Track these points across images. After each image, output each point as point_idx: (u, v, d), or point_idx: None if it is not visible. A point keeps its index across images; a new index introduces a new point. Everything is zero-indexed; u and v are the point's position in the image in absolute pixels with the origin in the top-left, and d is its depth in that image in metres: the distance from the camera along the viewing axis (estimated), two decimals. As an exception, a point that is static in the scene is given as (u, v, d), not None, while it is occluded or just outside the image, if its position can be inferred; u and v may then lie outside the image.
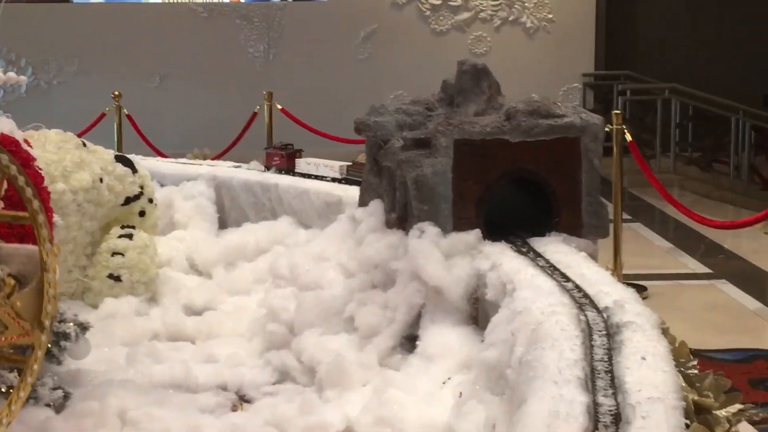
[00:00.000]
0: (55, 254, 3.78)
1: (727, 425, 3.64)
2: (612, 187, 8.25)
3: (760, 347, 6.76)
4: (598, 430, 3.22)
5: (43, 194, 4.01)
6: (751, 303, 7.90)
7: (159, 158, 9.38)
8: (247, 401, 5.56)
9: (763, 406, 5.69)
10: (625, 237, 8.88)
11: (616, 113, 8.20)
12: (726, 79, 13.79)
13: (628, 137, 8.10)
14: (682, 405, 3.44)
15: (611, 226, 7.90)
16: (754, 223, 8.06)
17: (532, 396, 3.53)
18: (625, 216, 10.96)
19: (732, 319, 7.50)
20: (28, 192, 3.39)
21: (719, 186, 12.90)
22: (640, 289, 7.65)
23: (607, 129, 8.00)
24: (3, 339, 3.66)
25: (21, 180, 3.44)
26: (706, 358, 5.87)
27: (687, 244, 9.99)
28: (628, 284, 5.33)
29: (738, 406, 3.92)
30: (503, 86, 6.31)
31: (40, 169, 5.05)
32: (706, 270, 8.99)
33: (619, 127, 8.06)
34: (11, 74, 5.04)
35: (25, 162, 3.81)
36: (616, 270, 7.70)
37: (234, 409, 5.46)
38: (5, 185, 3.70)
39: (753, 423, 4.47)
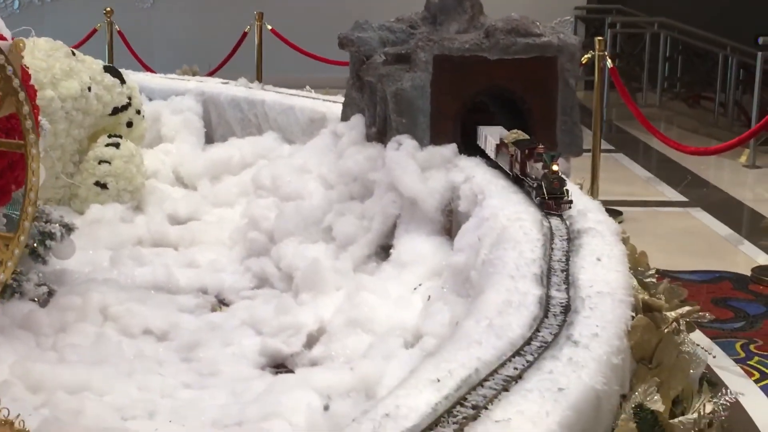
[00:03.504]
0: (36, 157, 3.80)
1: (674, 324, 3.80)
2: (593, 114, 8.34)
3: (726, 270, 6.94)
4: (547, 318, 3.39)
5: (29, 91, 4.04)
6: (722, 229, 8.06)
7: (148, 73, 9.42)
8: (226, 304, 5.69)
9: (723, 322, 5.92)
10: (606, 166, 9.02)
11: (598, 39, 8.25)
12: (716, 15, 13.79)
13: (610, 63, 8.16)
14: (630, 300, 3.61)
15: (591, 153, 8.10)
16: (723, 151, 8.23)
17: (489, 289, 3.70)
18: (609, 146, 11.17)
19: (703, 244, 7.66)
20: (15, 82, 3.43)
21: (705, 122, 13.01)
22: (615, 214, 7.80)
23: (589, 56, 8.16)
24: None
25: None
26: (674, 278, 6.00)
27: (666, 174, 10.09)
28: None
29: (687, 308, 4.10)
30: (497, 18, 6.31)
31: (27, 67, 5.09)
32: (682, 198, 9.13)
33: (601, 53, 8.12)
34: None
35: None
36: (593, 195, 7.81)
37: (213, 310, 5.61)
38: None
39: (701, 326, 4.59)
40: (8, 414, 3.55)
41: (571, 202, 4.47)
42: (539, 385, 2.83)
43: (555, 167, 4.56)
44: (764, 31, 11.68)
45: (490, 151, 5.48)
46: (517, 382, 2.86)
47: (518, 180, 5.00)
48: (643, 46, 14.01)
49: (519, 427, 2.57)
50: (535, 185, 4.59)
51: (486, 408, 2.69)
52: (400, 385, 2.90)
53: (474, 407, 2.70)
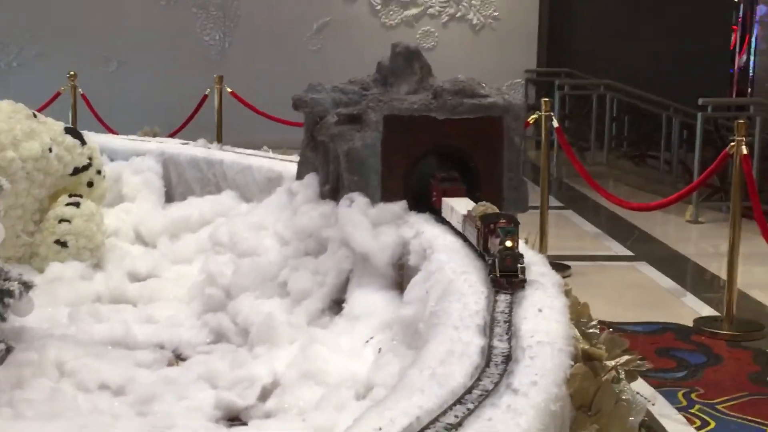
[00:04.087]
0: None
1: (613, 373, 3.80)
2: (541, 172, 8.42)
3: (669, 321, 6.99)
4: (489, 367, 3.38)
5: None
6: (666, 282, 8.13)
7: (110, 134, 9.41)
8: (183, 359, 5.64)
9: (666, 371, 5.95)
10: (555, 222, 9.12)
11: (544, 100, 8.37)
12: (659, 78, 14.01)
13: (555, 123, 8.25)
14: (570, 350, 3.62)
15: (539, 210, 8.17)
16: (664, 206, 8.33)
17: (433, 339, 3.70)
18: (559, 203, 11.26)
19: (647, 297, 7.72)
20: None
21: (651, 179, 13.14)
22: (563, 268, 7.86)
23: (536, 116, 8.26)
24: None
25: None
26: (619, 329, 6.04)
27: (614, 230, 10.19)
28: (552, 263, 5.48)
29: (626, 358, 4.11)
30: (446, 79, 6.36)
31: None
32: (628, 253, 9.21)
33: (548, 113, 8.22)
34: None
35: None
36: (542, 250, 7.85)
37: (170, 364, 5.54)
38: None
39: (644, 376, 4.62)
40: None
41: (525, 281, 4.19)
42: (478, 429, 2.83)
43: (509, 243, 4.28)
44: (704, 93, 11.87)
45: (457, 223, 5.29)
46: (457, 429, 2.85)
47: (482, 256, 4.76)
48: (591, 107, 14.16)
49: (458, 473, 2.56)
50: (490, 261, 4.34)
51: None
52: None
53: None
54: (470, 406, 3.03)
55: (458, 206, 5.22)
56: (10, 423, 4.38)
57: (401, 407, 2.96)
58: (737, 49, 16.16)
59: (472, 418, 2.93)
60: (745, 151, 6.88)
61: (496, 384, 3.22)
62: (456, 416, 2.94)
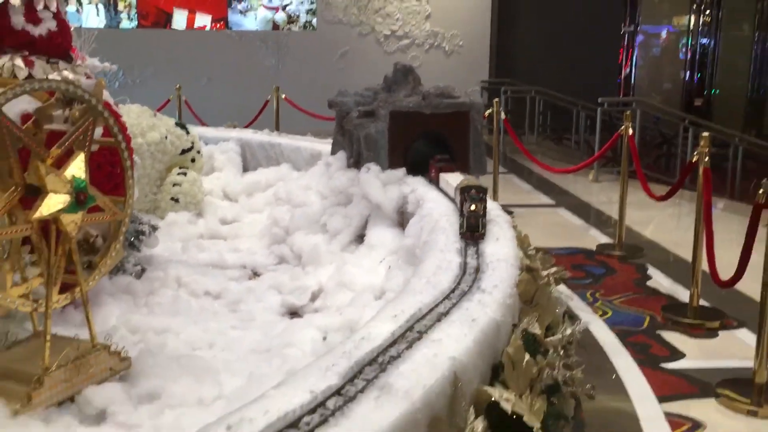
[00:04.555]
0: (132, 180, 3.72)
1: (546, 279, 3.85)
2: (493, 149, 8.39)
3: (580, 246, 7.01)
4: (465, 276, 3.41)
5: (126, 138, 3.98)
6: (577, 221, 8.12)
7: (204, 127, 9.37)
8: (258, 275, 5.64)
9: (579, 280, 5.96)
10: (503, 182, 9.08)
11: (495, 101, 8.33)
12: (571, 84, 13.88)
13: (503, 116, 8.22)
14: (518, 264, 3.65)
15: (492, 174, 8.15)
16: (577, 170, 8.30)
17: (426, 259, 3.72)
18: (504, 170, 11.19)
19: (565, 231, 7.72)
20: (99, 107, 3.34)
21: (566, 154, 13.07)
22: (509, 213, 7.84)
23: (490, 111, 8.21)
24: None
25: (111, 120, 3.45)
26: (548, 252, 6.06)
27: (541, 187, 10.17)
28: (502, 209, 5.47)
29: (554, 269, 4.15)
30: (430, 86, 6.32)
31: (125, 123, 5.06)
32: (551, 202, 9.20)
33: (497, 109, 8.18)
34: (106, 64, 5.02)
35: (116, 116, 3.82)
36: (495, 201, 7.84)
37: (249, 278, 5.57)
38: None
39: (565, 282, 4.64)
40: (117, 347, 3.55)
41: (483, 235, 4.03)
42: (460, 317, 2.86)
43: (473, 207, 4.08)
44: (601, 94, 11.81)
45: (451, 192, 5.06)
46: (446, 316, 2.89)
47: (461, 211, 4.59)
48: (525, 105, 14.06)
49: (448, 344, 2.59)
50: (460, 221, 4.16)
51: (426, 333, 2.71)
52: (370, 320, 2.91)
53: (419, 332, 2.72)
54: (454, 300, 3.07)
55: (451, 180, 5.14)
56: (149, 318, 4.41)
57: (408, 302, 3.00)
58: (623, 64, 16.01)
59: (455, 308, 2.97)
60: (630, 132, 6.86)
61: (470, 287, 3.25)
62: (445, 307, 2.98)
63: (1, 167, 3.10)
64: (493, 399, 2.55)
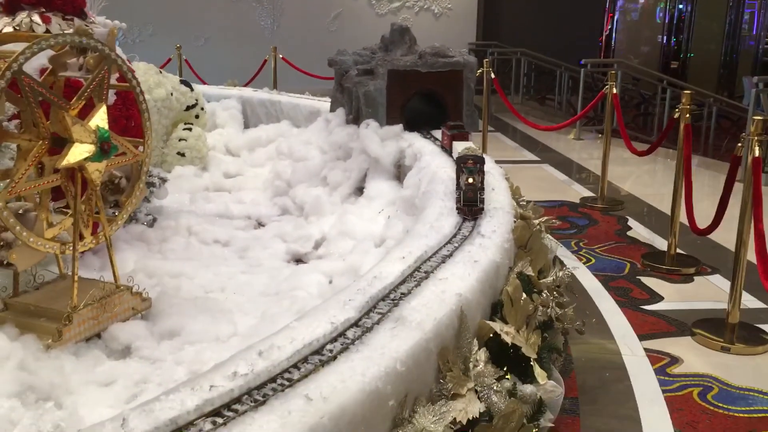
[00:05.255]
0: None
1: (538, 227, 3.93)
2: (482, 108, 8.40)
3: (564, 199, 7.10)
4: (465, 222, 3.49)
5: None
6: (561, 176, 8.20)
7: (205, 85, 9.31)
8: (263, 225, 5.71)
9: (564, 230, 6.06)
10: (490, 139, 9.10)
11: (486, 61, 8.31)
12: (555, 46, 13.86)
13: (493, 76, 8.21)
14: (512, 212, 3.73)
15: (481, 132, 8.18)
16: (560, 128, 8.35)
17: (428, 206, 3.79)
18: (492, 128, 11.20)
19: (550, 185, 7.79)
20: (112, 54, 3.35)
21: (549, 113, 13.11)
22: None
23: (480, 71, 8.19)
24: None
25: (124, 67, 3.45)
26: (536, 203, 6.15)
27: (526, 144, 10.22)
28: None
29: (545, 218, 4.23)
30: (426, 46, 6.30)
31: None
32: (536, 158, 9.26)
33: (487, 69, 8.17)
34: (116, 22, 4.97)
35: (129, 68, 3.79)
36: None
37: (255, 228, 5.62)
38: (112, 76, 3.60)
39: (552, 232, 4.71)
40: (138, 288, 3.62)
41: (482, 209, 3.60)
42: (463, 258, 2.94)
43: (470, 180, 3.64)
44: (585, 56, 11.80)
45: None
46: (450, 257, 2.97)
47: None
48: (511, 66, 14.02)
49: (453, 282, 2.68)
50: (457, 194, 3.69)
51: (433, 272, 2.80)
52: (380, 261, 2.99)
53: (425, 272, 2.81)
54: (456, 244, 3.16)
55: (460, 148, 4.65)
56: (163, 263, 4.47)
57: (415, 245, 3.07)
58: (604, 27, 15.96)
59: (458, 251, 3.06)
60: (615, 91, 6.90)
61: (471, 232, 3.33)
62: (448, 250, 3.06)
63: (26, 120, 3.13)
64: (494, 332, 2.66)
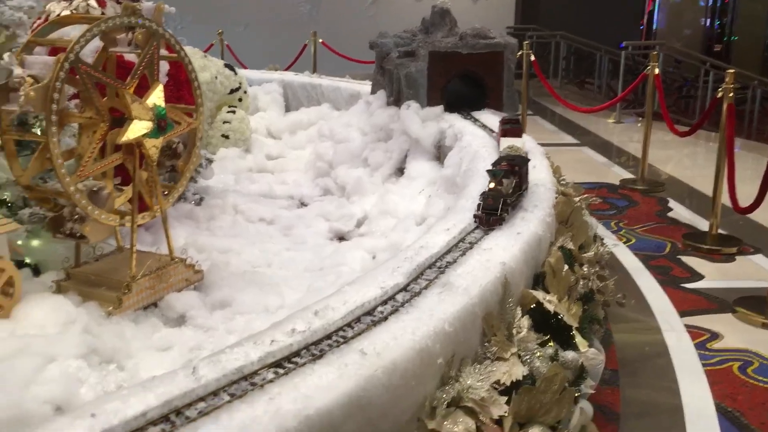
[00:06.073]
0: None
1: (577, 202, 3.98)
2: (521, 91, 8.39)
3: (603, 181, 7.09)
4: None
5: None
6: (601, 159, 8.19)
7: (247, 69, 9.45)
8: (305, 204, 5.82)
9: (604, 211, 6.07)
10: (528, 123, 9.11)
11: (525, 43, 8.31)
12: (595, 29, 13.71)
13: (532, 58, 8.20)
14: (554, 189, 3.79)
15: (520, 116, 8.19)
16: (600, 110, 8.30)
17: (470, 183, 3.86)
18: (530, 112, 11.19)
19: (589, 167, 7.78)
20: (159, 30, 3.48)
21: (588, 97, 13.00)
22: (536, 150, 7.92)
23: (520, 53, 8.19)
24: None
25: (172, 40, 3.56)
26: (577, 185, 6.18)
27: (565, 128, 10.19)
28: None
29: (585, 195, 4.27)
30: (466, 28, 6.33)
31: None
32: (576, 141, 9.23)
33: (527, 52, 8.17)
34: (165, 5, 5.09)
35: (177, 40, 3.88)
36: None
37: (298, 207, 5.74)
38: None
39: (592, 213, 4.73)
40: (191, 260, 3.78)
41: (502, 220, 3.05)
42: (505, 231, 3.02)
43: (492, 184, 3.19)
44: (625, 39, 11.68)
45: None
46: (493, 230, 3.06)
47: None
48: (549, 50, 13.93)
49: (498, 252, 2.76)
50: (479, 200, 3.15)
51: (477, 243, 2.89)
52: (426, 233, 3.09)
53: (470, 243, 2.90)
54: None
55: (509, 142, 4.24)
56: (212, 239, 4.62)
57: (458, 218, 3.16)
58: (645, 10, 15.74)
59: (503, 225, 3.13)
60: (656, 72, 6.86)
61: (514, 206, 3.40)
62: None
63: (85, 100, 3.28)
64: (537, 301, 2.74)
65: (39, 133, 3.46)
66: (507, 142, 4.18)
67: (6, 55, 3.08)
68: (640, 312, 4.06)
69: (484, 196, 3.14)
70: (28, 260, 3.60)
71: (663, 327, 3.86)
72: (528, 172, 3.60)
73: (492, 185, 3.20)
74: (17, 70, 3.02)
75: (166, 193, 3.70)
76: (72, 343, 2.90)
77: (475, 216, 3.10)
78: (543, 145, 8.36)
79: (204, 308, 3.57)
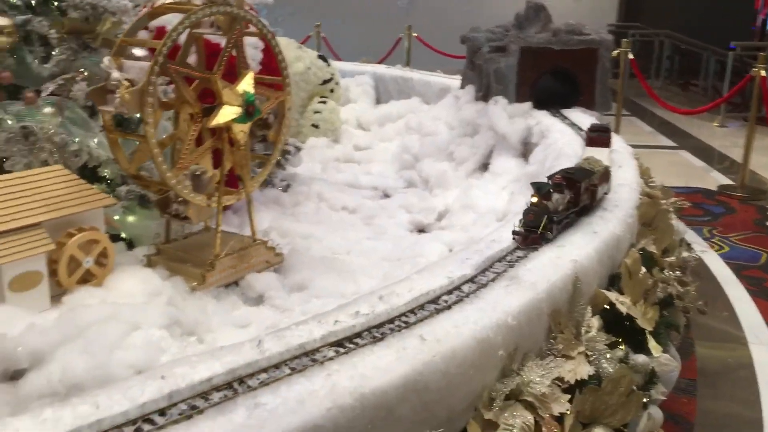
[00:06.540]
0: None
1: (664, 205, 3.86)
2: (617, 90, 8.17)
3: (699, 186, 6.83)
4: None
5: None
6: (699, 163, 7.89)
7: (340, 61, 9.61)
8: (389, 195, 5.84)
9: (697, 216, 5.85)
10: (624, 123, 8.86)
11: (624, 41, 8.07)
12: (702, 28, 13.13)
13: (630, 56, 7.95)
14: (638, 189, 3.69)
15: (614, 117, 7.97)
16: (701, 111, 7.99)
17: (552, 180, 3.81)
18: (627, 112, 10.87)
19: (686, 171, 7.52)
20: (262, 26, 3.60)
21: (692, 99, 12.49)
22: (630, 151, 7.69)
23: (617, 52, 7.96)
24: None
25: (255, 19, 3.67)
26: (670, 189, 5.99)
27: (663, 130, 9.85)
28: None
29: (673, 199, 4.14)
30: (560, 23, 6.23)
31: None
32: (673, 144, 8.91)
33: (625, 50, 7.93)
34: None
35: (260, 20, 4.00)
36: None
37: (382, 197, 5.77)
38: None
39: (679, 211, 4.57)
40: (272, 243, 3.92)
41: (543, 239, 2.75)
42: (582, 229, 2.98)
43: (534, 199, 2.86)
44: (734, 38, 11.13)
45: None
46: (570, 228, 3.02)
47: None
48: (652, 49, 13.45)
49: (571, 249, 2.73)
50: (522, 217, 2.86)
51: (555, 239, 2.86)
52: (499, 227, 3.08)
53: (545, 239, 2.87)
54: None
55: (597, 154, 3.77)
56: (295, 224, 4.74)
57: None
58: (760, 10, 14.91)
59: (579, 222, 3.08)
60: (763, 74, 6.53)
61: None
62: (568, 221, 3.09)
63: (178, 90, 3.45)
64: (610, 301, 2.69)
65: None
66: (590, 152, 3.82)
67: (106, 59, 3.27)
68: (726, 323, 3.90)
69: (526, 211, 2.84)
70: (123, 235, 3.84)
71: (750, 339, 3.70)
72: (608, 180, 3.35)
73: (535, 200, 2.87)
74: (115, 74, 3.20)
75: (259, 164, 3.84)
76: (157, 314, 3.07)
77: (513, 232, 2.80)
78: (637, 147, 8.22)
79: (282, 290, 3.69)
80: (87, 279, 3.22)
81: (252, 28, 3.70)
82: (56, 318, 2.85)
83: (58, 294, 3.12)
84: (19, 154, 3.39)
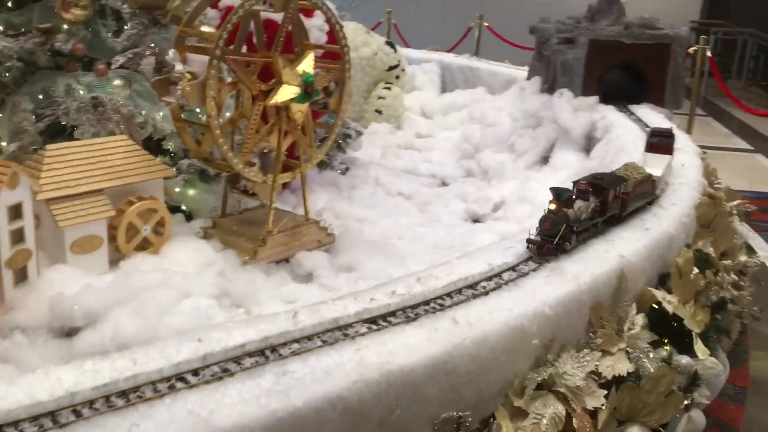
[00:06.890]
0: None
1: (727, 208, 3.74)
2: (693, 89, 7.89)
3: (772, 191, 6.56)
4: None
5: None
6: (774, 168, 7.56)
7: (409, 48, 9.60)
8: (446, 184, 5.84)
9: (765, 222, 5.63)
10: (699, 124, 8.55)
11: (702, 37, 7.78)
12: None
13: (708, 53, 7.67)
14: (699, 189, 3.58)
15: (686, 117, 7.70)
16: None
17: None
18: (703, 112, 10.50)
19: (759, 176, 7.21)
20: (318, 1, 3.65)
21: (774, 102, 11.99)
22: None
23: (694, 49, 7.70)
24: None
25: (337, 26, 3.74)
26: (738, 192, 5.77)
27: (741, 132, 9.45)
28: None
29: (738, 201, 4.00)
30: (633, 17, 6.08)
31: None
32: (749, 147, 8.55)
33: (702, 47, 7.65)
34: None
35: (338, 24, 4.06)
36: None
37: (439, 185, 5.77)
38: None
39: (745, 214, 4.39)
40: (324, 224, 3.98)
41: (556, 248, 2.50)
42: (633, 225, 2.93)
43: (552, 206, 2.61)
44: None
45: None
46: (622, 222, 2.96)
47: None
48: (735, 47, 12.91)
49: (619, 245, 2.69)
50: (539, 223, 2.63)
51: (601, 233, 2.82)
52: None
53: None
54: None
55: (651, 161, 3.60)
56: (350, 207, 4.80)
57: (586, 208, 3.08)
58: None
59: (631, 218, 3.02)
60: None
61: (651, 202, 3.26)
62: (623, 216, 3.04)
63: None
64: (656, 300, 2.63)
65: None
66: (649, 158, 3.57)
67: (171, 52, 3.37)
68: (786, 332, 3.74)
69: (542, 218, 2.59)
70: (183, 207, 3.97)
71: (810, 351, 3.54)
72: (653, 189, 3.14)
73: (553, 206, 2.60)
74: (179, 66, 3.30)
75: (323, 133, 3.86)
76: (207, 283, 3.18)
77: (527, 241, 2.58)
78: (710, 148, 8.01)
79: (331, 269, 3.75)
80: (144, 246, 3.35)
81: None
82: (111, 281, 2.98)
83: (116, 259, 3.26)
84: (88, 123, 3.54)
